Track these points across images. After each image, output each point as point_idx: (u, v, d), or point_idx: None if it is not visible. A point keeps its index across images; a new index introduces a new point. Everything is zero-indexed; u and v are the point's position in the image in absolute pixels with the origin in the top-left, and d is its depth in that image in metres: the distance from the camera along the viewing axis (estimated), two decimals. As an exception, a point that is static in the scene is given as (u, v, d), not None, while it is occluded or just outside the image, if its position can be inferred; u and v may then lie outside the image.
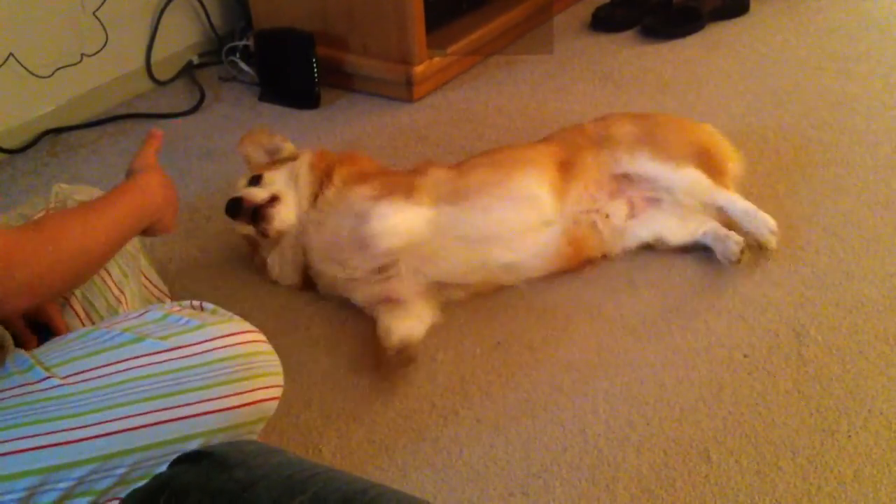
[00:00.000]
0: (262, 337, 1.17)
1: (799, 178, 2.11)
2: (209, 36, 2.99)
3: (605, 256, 1.86)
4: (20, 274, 1.00)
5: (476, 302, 1.77)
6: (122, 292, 1.43)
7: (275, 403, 1.15)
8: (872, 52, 2.71)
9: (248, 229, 1.80)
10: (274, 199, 1.79)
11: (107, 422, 1.03)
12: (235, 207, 1.77)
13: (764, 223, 1.80)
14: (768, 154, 2.21)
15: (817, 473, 1.37)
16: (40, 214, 1.40)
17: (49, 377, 1.06)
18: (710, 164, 1.85)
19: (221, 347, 1.10)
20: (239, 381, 1.09)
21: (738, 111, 2.44)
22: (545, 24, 3.07)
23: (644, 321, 1.71)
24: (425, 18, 2.54)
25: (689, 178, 1.83)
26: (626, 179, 1.86)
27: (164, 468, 1.03)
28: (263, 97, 2.72)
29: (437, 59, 2.63)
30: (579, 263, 1.82)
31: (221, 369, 1.09)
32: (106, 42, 2.65)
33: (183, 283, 1.90)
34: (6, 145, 2.46)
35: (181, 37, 2.91)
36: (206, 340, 1.10)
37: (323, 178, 1.82)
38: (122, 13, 2.68)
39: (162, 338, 1.09)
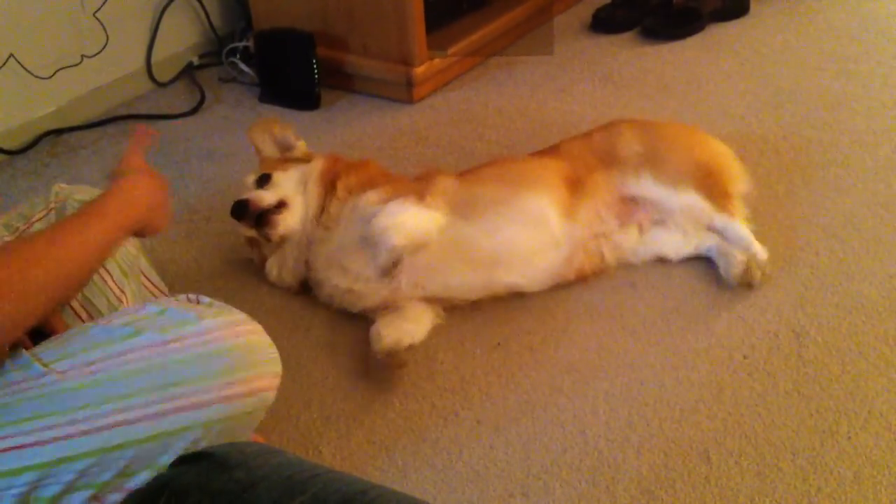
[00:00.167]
0: (259, 328, 1.17)
1: (799, 178, 2.11)
2: (209, 37, 2.99)
3: (604, 272, 1.84)
4: None
5: (476, 303, 1.77)
6: (122, 292, 1.43)
7: (273, 393, 1.15)
8: (872, 53, 2.71)
9: (252, 232, 1.80)
10: (281, 205, 1.78)
11: (106, 415, 1.04)
12: (241, 210, 1.77)
13: (754, 255, 1.75)
14: (768, 154, 2.21)
15: (817, 475, 1.37)
16: (40, 215, 1.40)
17: (48, 373, 1.06)
18: (713, 186, 1.81)
19: (220, 339, 1.10)
20: (237, 370, 1.10)
21: (738, 112, 2.44)
22: (545, 24, 3.07)
23: (644, 322, 1.71)
24: (425, 19, 2.54)
25: (689, 202, 1.80)
26: (633, 201, 1.83)
27: (165, 459, 1.04)
28: (263, 98, 2.72)
29: (437, 60, 2.63)
30: (577, 279, 1.81)
31: (220, 360, 1.09)
32: (106, 43, 2.65)
33: (183, 283, 1.90)
34: (6, 146, 2.46)
35: (181, 38, 2.91)
36: (204, 332, 1.10)
37: (330, 188, 1.81)
38: (122, 14, 2.68)
39: (160, 330, 1.10)
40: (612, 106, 2.52)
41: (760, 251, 1.76)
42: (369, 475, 1.42)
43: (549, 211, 1.74)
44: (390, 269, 1.67)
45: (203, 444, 1.07)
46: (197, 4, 2.91)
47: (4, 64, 2.39)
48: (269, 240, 1.80)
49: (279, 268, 1.84)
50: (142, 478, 1.05)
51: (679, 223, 1.83)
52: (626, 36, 2.98)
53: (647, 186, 1.81)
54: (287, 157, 1.92)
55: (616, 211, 1.82)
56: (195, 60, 2.94)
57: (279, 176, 1.84)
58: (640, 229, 1.84)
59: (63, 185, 1.48)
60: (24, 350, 1.11)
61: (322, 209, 1.80)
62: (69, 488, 1.03)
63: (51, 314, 1.27)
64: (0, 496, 1.01)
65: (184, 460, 0.99)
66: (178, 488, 0.91)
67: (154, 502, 0.90)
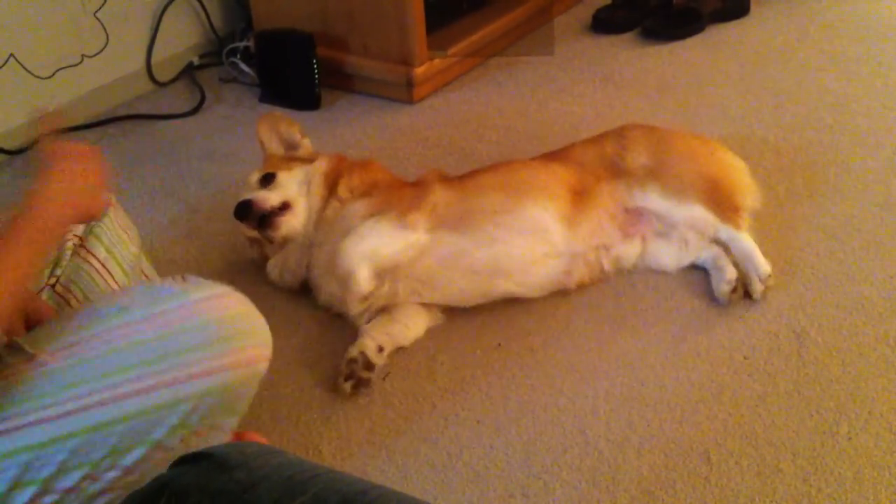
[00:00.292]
0: (245, 299, 1.16)
1: (799, 179, 2.11)
2: (210, 37, 2.99)
3: (602, 280, 1.83)
4: None
5: (476, 305, 1.77)
6: (123, 291, 1.43)
7: (265, 364, 1.15)
8: (873, 54, 2.71)
9: (254, 233, 1.80)
10: (284, 207, 1.78)
11: (95, 392, 1.04)
12: (244, 211, 1.76)
13: (756, 269, 1.72)
14: (769, 155, 2.21)
15: (817, 475, 1.37)
16: None
17: (35, 356, 1.07)
18: (721, 199, 1.78)
19: (206, 310, 1.10)
20: (226, 340, 1.10)
21: (738, 112, 2.44)
22: (546, 25, 3.07)
23: (644, 323, 1.71)
24: (426, 20, 2.54)
25: (693, 214, 1.78)
26: (637, 212, 1.81)
27: (158, 434, 1.05)
28: (264, 98, 2.72)
29: (437, 61, 2.63)
30: (576, 288, 1.79)
31: (207, 330, 1.09)
32: (106, 43, 2.65)
33: (183, 283, 1.90)
34: (6, 146, 2.46)
35: (182, 38, 2.91)
36: (191, 304, 1.10)
37: (333, 189, 1.81)
38: (122, 14, 2.68)
39: (147, 306, 1.10)
40: (613, 106, 2.52)
41: (763, 264, 1.73)
42: (369, 475, 1.42)
43: (551, 221, 1.72)
44: (366, 299, 1.64)
45: (195, 418, 1.08)
46: (197, 5, 2.91)
47: (4, 64, 2.39)
48: (271, 241, 1.80)
49: (280, 268, 1.84)
50: (136, 454, 1.06)
51: (682, 235, 1.80)
52: (627, 37, 2.98)
53: (653, 199, 1.79)
54: (292, 156, 1.92)
55: (619, 222, 1.80)
56: (195, 60, 2.93)
57: (284, 176, 1.83)
58: (643, 241, 1.82)
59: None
60: (15, 338, 1.12)
61: (323, 211, 1.80)
62: (63, 468, 1.04)
63: (48, 308, 1.28)
64: None
65: (184, 460, 0.98)
66: (178, 488, 0.91)
67: (154, 502, 0.90)
